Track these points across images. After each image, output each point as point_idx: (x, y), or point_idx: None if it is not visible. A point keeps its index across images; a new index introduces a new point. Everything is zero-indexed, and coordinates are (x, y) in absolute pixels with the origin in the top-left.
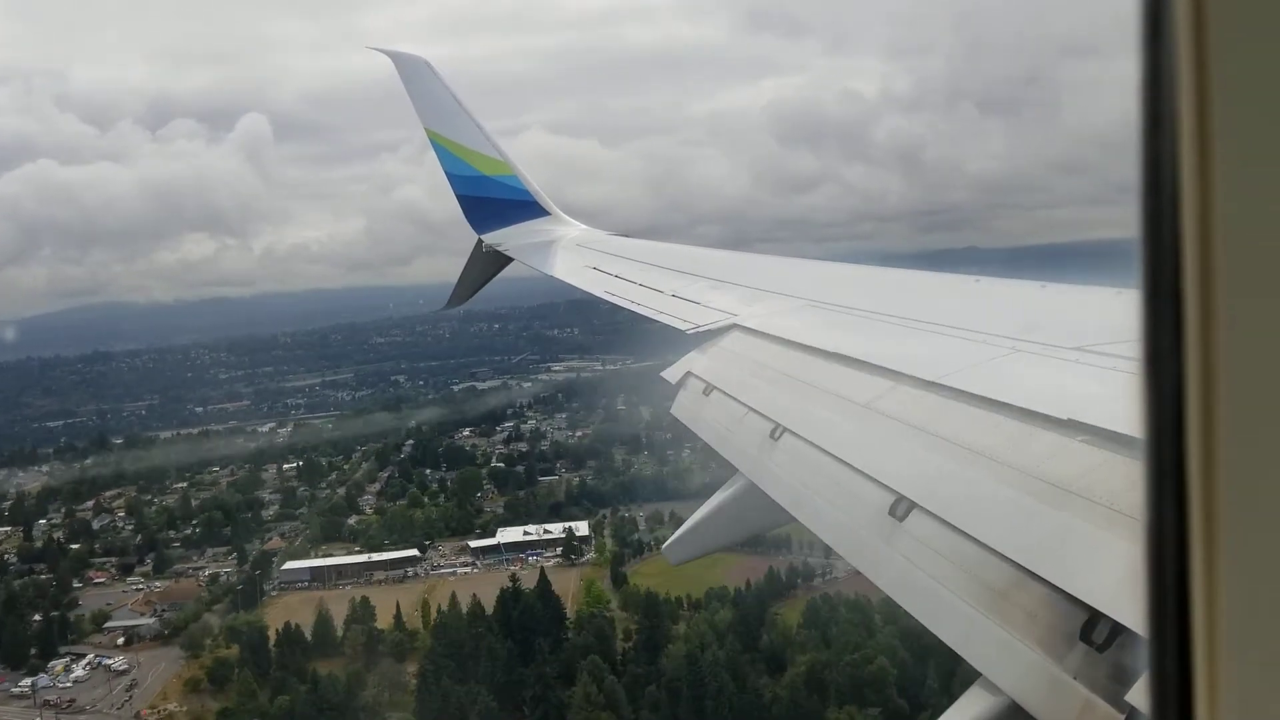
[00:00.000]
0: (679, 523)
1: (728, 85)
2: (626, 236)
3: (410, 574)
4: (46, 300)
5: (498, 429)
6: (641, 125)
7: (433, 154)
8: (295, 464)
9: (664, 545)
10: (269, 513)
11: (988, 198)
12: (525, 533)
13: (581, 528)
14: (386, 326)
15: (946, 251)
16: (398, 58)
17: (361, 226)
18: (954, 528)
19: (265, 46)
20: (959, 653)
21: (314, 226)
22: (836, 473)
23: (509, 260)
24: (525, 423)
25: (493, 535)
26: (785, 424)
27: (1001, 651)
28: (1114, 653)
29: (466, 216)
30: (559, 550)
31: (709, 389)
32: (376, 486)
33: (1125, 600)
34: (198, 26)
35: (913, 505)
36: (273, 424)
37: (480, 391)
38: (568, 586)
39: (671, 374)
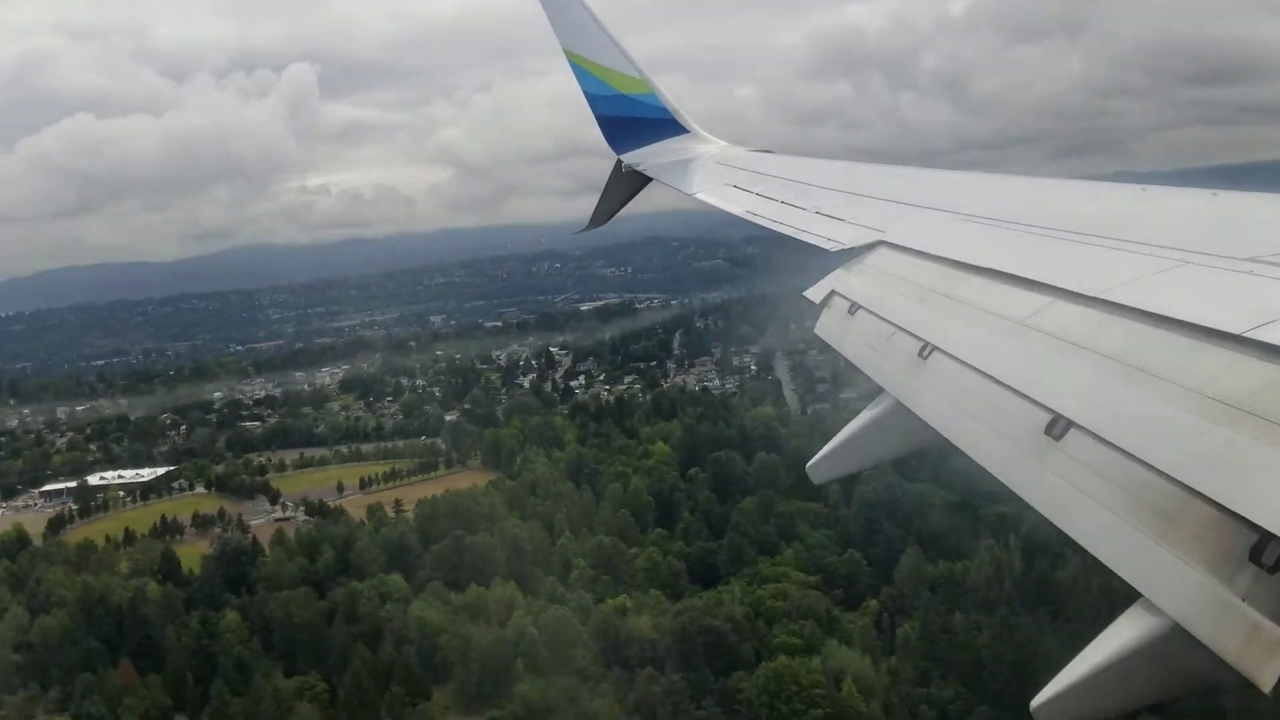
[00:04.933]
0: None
1: (807, 9)
2: (768, 152)
3: None
4: (189, 244)
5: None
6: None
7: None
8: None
9: (808, 465)
10: None
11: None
12: (103, 477)
13: (158, 472)
14: (450, 268)
15: (1093, 177)
16: None
17: (452, 173)
18: (1115, 446)
19: None
20: (1119, 573)
21: (429, 169)
22: (989, 391)
23: (648, 180)
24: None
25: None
26: (934, 342)
27: (1164, 573)
28: None
29: (605, 136)
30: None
31: (854, 308)
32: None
33: None
34: None
35: (1070, 424)
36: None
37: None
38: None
39: (814, 293)
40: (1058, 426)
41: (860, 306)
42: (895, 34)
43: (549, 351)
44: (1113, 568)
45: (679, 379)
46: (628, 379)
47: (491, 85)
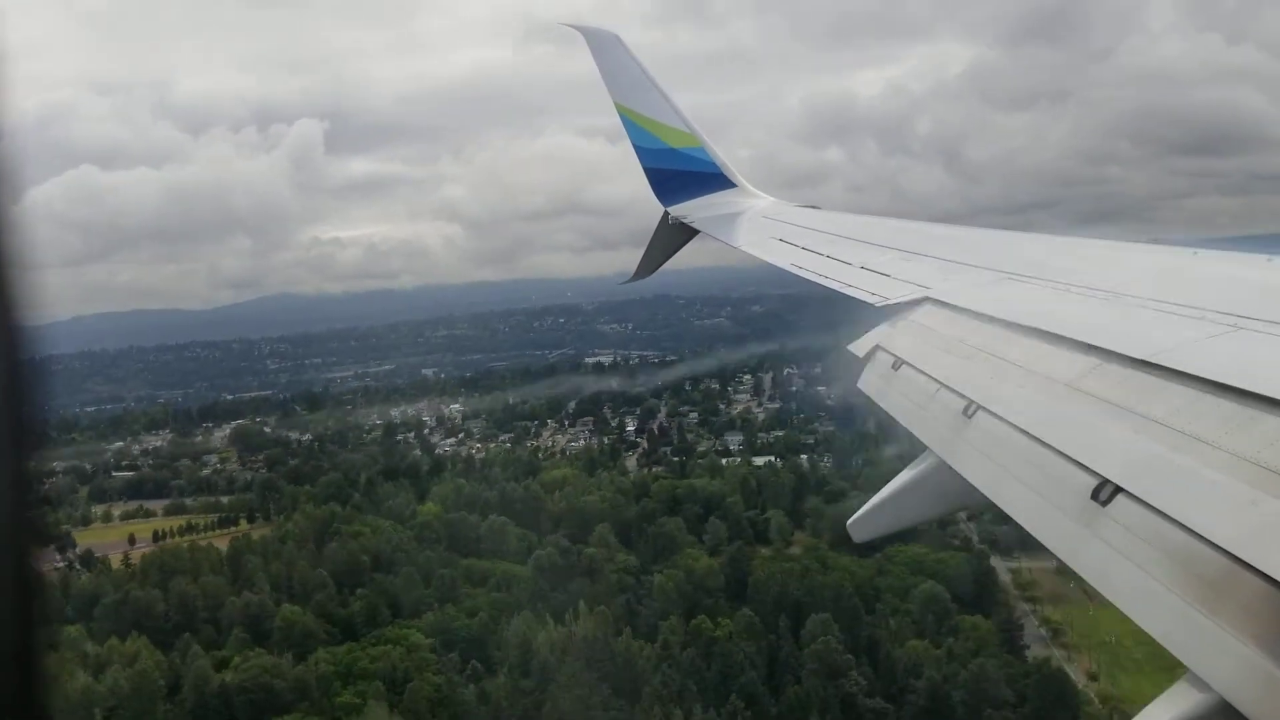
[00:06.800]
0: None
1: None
2: (814, 208)
3: None
4: (223, 293)
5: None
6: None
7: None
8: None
9: (848, 522)
10: None
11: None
12: None
13: None
14: (457, 320)
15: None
16: (588, 33)
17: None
18: (1163, 514)
19: (341, 54)
20: (1164, 644)
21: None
22: (1034, 453)
23: (694, 233)
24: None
25: None
26: (979, 401)
27: (1211, 646)
28: None
29: (653, 189)
30: None
31: (898, 363)
32: None
33: None
34: (274, 38)
35: (1118, 489)
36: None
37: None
38: None
39: (858, 348)
40: (1104, 491)
41: (904, 362)
42: (892, 100)
43: (441, 410)
44: (1158, 638)
45: (551, 439)
46: (502, 437)
47: (505, 143)
